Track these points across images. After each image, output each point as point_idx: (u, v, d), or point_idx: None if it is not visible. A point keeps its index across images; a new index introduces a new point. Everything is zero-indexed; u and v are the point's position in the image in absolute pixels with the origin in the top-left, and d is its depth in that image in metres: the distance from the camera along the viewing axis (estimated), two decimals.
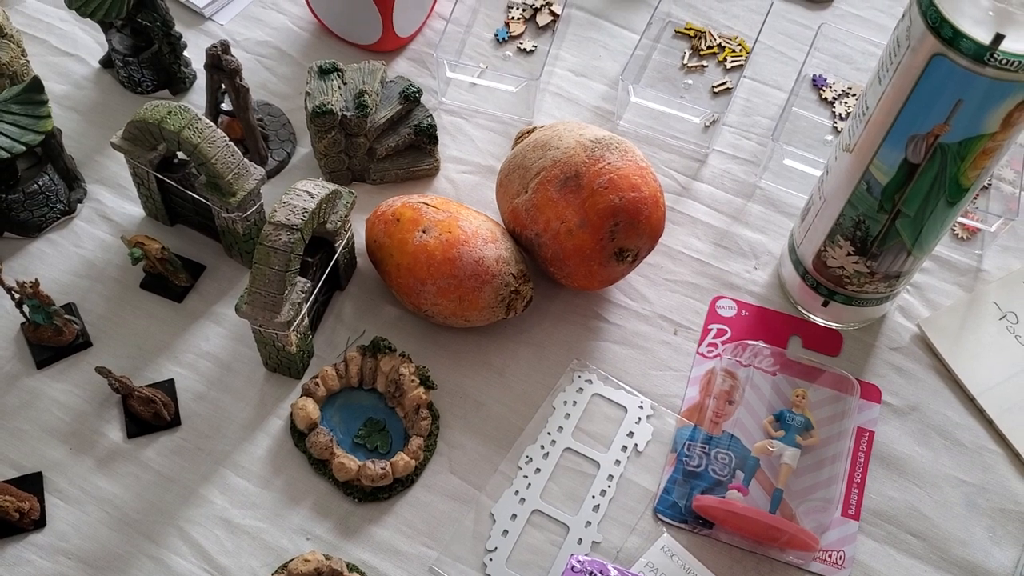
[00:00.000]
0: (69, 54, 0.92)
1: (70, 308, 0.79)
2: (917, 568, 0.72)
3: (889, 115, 0.64)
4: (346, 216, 0.76)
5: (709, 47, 0.94)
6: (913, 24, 0.61)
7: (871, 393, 0.79)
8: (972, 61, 0.58)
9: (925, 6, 0.59)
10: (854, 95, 0.92)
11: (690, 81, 0.93)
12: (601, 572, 0.69)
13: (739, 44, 0.95)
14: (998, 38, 0.57)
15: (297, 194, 0.71)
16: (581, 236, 0.75)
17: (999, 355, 0.80)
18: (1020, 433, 0.77)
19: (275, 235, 0.69)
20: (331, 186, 0.73)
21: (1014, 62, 0.57)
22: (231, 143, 0.74)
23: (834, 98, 0.92)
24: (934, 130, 0.63)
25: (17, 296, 0.75)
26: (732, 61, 0.94)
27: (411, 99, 0.84)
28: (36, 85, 0.77)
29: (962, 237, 0.86)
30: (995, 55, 0.57)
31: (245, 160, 0.75)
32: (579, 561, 0.69)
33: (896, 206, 0.68)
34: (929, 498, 0.75)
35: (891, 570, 0.72)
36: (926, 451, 0.77)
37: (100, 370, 0.73)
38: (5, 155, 0.75)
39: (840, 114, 0.91)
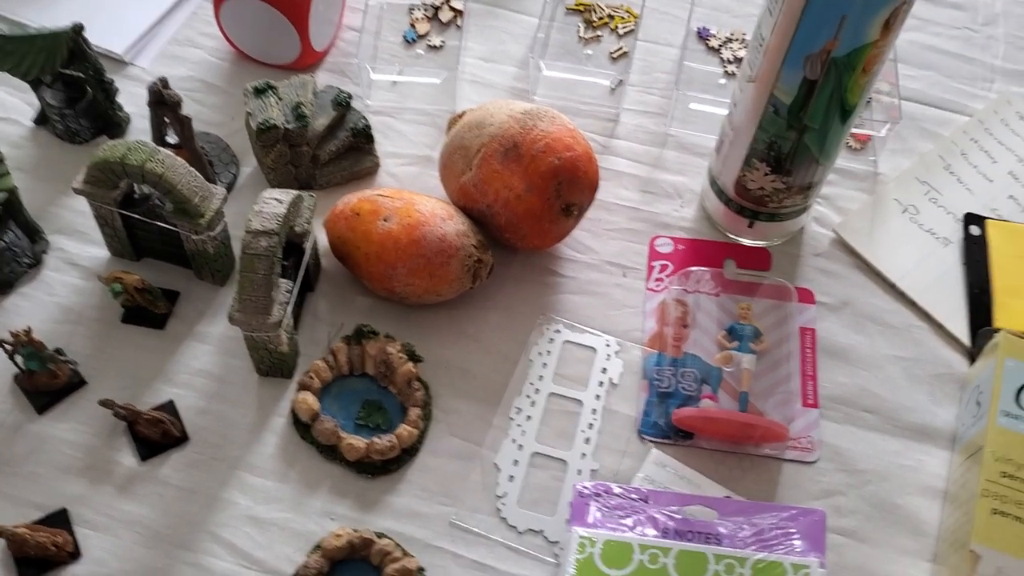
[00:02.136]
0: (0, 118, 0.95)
1: (59, 351, 0.82)
2: (876, 438, 0.81)
3: (784, 40, 0.73)
4: (310, 218, 0.81)
5: (600, 18, 1.03)
6: None
7: (806, 296, 0.88)
8: None
9: None
10: (737, 40, 1.02)
11: (590, 52, 1.01)
12: (606, 492, 0.76)
13: (627, 11, 1.04)
14: None
15: (267, 202, 0.76)
16: (529, 199, 0.81)
17: (908, 243, 0.91)
18: (940, 307, 0.87)
19: (255, 242, 0.74)
20: (294, 192, 0.78)
21: None
22: (191, 168, 0.79)
23: (720, 45, 1.02)
24: (826, 46, 0.71)
25: (10, 348, 0.78)
26: (623, 27, 1.02)
27: (343, 104, 0.90)
28: None
29: (855, 148, 0.96)
30: None
31: (206, 182, 0.80)
32: (584, 487, 0.76)
33: (802, 122, 0.77)
34: (874, 377, 0.84)
35: (854, 444, 0.81)
36: (863, 338, 0.86)
37: (104, 402, 0.76)
38: None
39: (728, 59, 1.01)
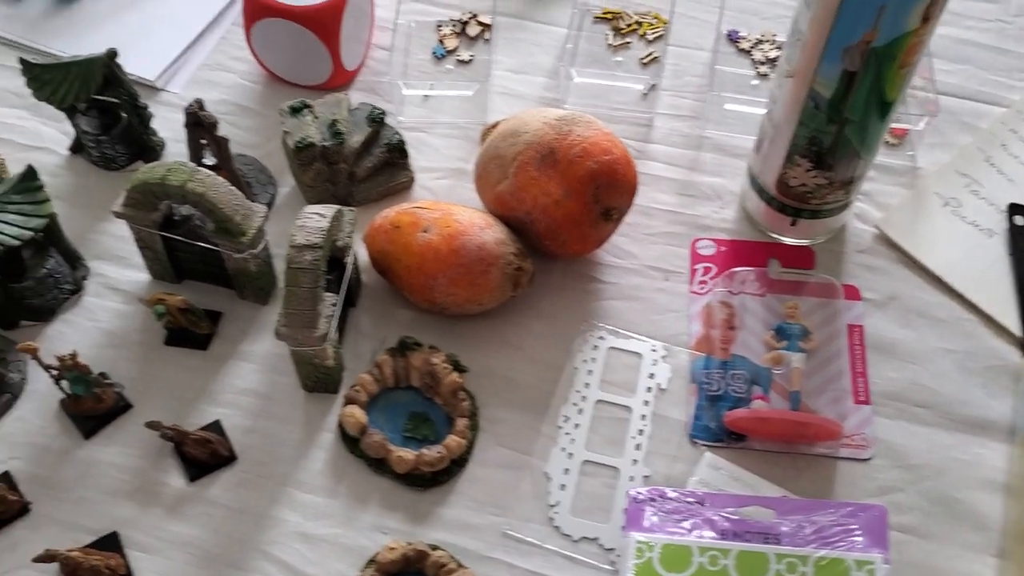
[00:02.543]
0: (37, 147, 0.95)
1: (103, 376, 0.81)
2: (931, 433, 0.80)
3: (823, 34, 0.72)
4: (351, 232, 0.81)
5: (628, 25, 1.03)
6: None
7: (852, 293, 0.87)
8: None
9: None
10: (767, 41, 1.02)
11: (620, 59, 1.01)
12: (661, 496, 0.74)
13: (655, 17, 1.04)
14: None
15: (309, 216, 0.76)
16: (568, 205, 0.81)
17: (952, 236, 0.90)
18: (988, 299, 0.86)
19: (300, 256, 0.74)
20: (335, 206, 0.78)
21: None
22: (231, 186, 0.79)
23: (751, 47, 1.01)
24: (865, 37, 0.71)
25: (56, 373, 0.78)
26: (652, 33, 1.02)
27: (377, 121, 0.90)
28: (30, 173, 0.81)
29: (893, 143, 0.95)
30: None
31: (246, 200, 0.80)
32: (638, 492, 0.75)
33: (843, 115, 0.76)
34: (925, 371, 0.83)
35: (908, 440, 0.80)
36: (912, 332, 0.85)
37: (150, 424, 0.76)
38: (16, 243, 0.79)
39: (759, 60, 1.00)
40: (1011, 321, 0.85)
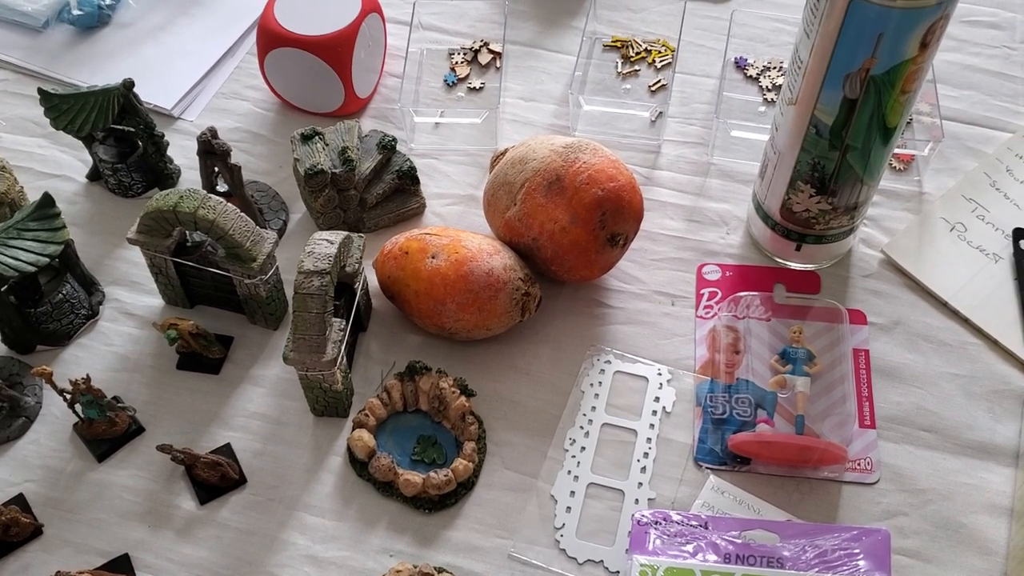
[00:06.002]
0: (55, 175, 0.98)
1: (117, 399, 0.83)
2: (936, 457, 0.80)
3: (823, 62, 0.73)
4: (360, 258, 0.82)
5: (637, 53, 1.04)
6: None
7: (857, 317, 0.87)
8: None
9: None
10: (774, 68, 1.03)
11: (628, 86, 1.03)
12: (665, 519, 0.75)
13: (663, 45, 1.05)
14: None
15: (318, 243, 0.77)
16: (575, 231, 0.82)
17: (958, 261, 0.90)
18: (993, 323, 0.86)
19: (308, 282, 0.75)
20: (344, 233, 0.79)
21: None
22: (242, 213, 0.80)
23: (758, 74, 1.02)
24: (864, 64, 0.72)
25: (70, 396, 0.79)
26: (661, 61, 1.03)
27: (388, 147, 0.91)
28: (47, 200, 0.83)
29: (899, 169, 0.96)
30: None
31: (257, 227, 0.81)
32: (642, 515, 0.75)
33: (844, 141, 0.77)
34: (931, 396, 0.83)
35: (914, 464, 0.80)
36: (917, 356, 0.85)
37: (162, 447, 0.77)
38: (32, 269, 0.80)
39: (766, 87, 1.01)
40: (1017, 346, 0.85)
